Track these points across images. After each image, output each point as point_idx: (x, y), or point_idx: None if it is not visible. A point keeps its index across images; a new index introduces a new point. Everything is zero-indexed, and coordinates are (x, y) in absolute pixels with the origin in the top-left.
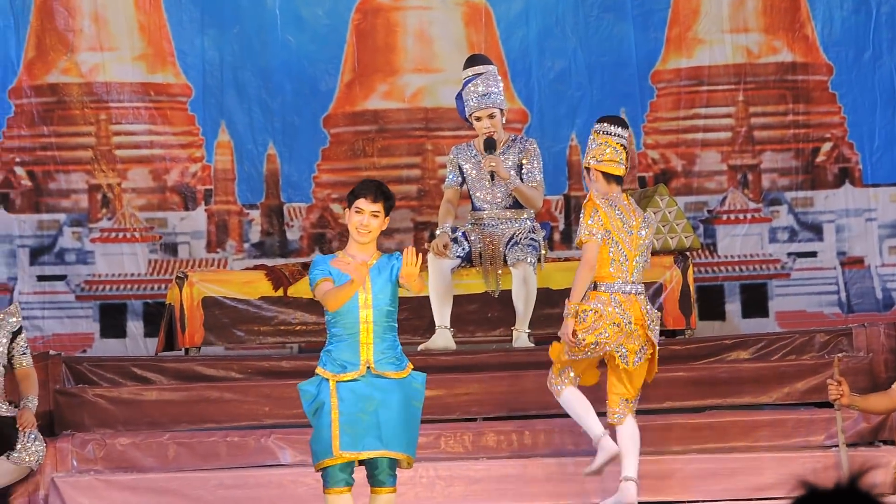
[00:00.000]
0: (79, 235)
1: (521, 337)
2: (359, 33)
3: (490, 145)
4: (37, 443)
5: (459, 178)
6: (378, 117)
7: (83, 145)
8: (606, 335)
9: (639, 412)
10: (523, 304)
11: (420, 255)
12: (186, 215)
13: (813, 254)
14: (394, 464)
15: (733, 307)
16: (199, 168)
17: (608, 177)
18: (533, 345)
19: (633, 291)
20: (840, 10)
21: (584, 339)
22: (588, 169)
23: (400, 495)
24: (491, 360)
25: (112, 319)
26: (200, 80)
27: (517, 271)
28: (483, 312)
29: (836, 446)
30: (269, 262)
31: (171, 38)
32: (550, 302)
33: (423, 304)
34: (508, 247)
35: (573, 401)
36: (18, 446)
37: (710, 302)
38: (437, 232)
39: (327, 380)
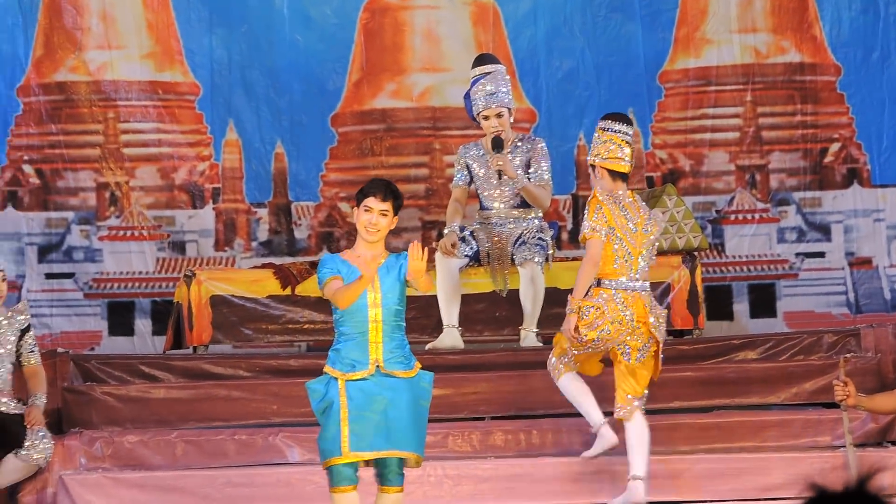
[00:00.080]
0: (87, 233)
1: (529, 336)
2: (367, 32)
3: (498, 144)
4: (45, 440)
5: (467, 178)
6: (386, 116)
7: (91, 143)
8: (608, 332)
9: (647, 411)
10: (531, 304)
11: (426, 250)
12: (194, 213)
13: (821, 254)
14: (402, 463)
15: (741, 307)
16: (206, 166)
17: (614, 174)
18: (541, 344)
19: (638, 289)
20: (848, 10)
21: (585, 336)
22: (593, 166)
23: (408, 494)
24: (499, 360)
25: (120, 317)
26: (208, 78)
27: (525, 270)
28: (491, 312)
29: (845, 446)
30: (277, 261)
31: (180, 36)
32: (558, 301)
33: (430, 303)
34: (516, 246)
35: (571, 386)
36: (27, 444)
37: (718, 302)
38: (445, 231)
39: (336, 378)
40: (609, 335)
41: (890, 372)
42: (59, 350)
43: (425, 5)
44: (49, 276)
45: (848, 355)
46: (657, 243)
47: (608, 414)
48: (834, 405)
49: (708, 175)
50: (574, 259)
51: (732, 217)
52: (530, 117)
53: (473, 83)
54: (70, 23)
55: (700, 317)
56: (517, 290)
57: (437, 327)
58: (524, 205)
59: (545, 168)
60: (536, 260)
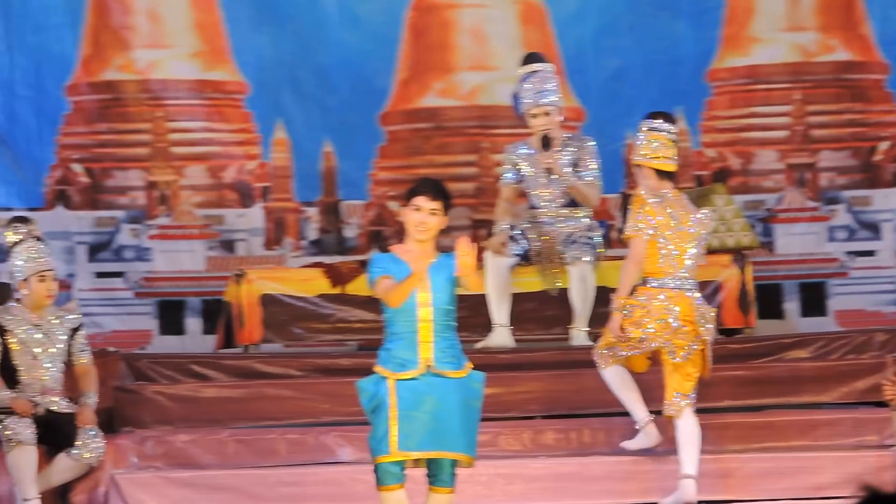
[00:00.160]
0: (136, 232)
1: (580, 335)
2: (414, 31)
3: (546, 143)
4: (96, 439)
5: (516, 176)
6: (434, 115)
7: (140, 142)
8: (652, 330)
9: (698, 410)
10: (581, 303)
11: (475, 243)
12: (243, 212)
13: (871, 252)
14: (455, 464)
15: (792, 306)
16: (255, 165)
17: (660, 173)
18: (591, 343)
19: (684, 287)
20: None
21: (631, 334)
22: (639, 166)
23: (459, 493)
24: (549, 359)
25: (170, 316)
26: (256, 77)
27: (575, 270)
28: (541, 310)
29: (895, 446)
30: (327, 260)
31: (227, 35)
32: (608, 300)
33: (481, 302)
34: (566, 245)
35: (616, 379)
36: (78, 443)
37: (768, 301)
38: (495, 230)
39: (386, 378)
40: (654, 334)
41: None
42: (110, 349)
43: (473, 3)
44: (99, 275)
45: None
46: (706, 242)
47: (658, 412)
48: (886, 404)
49: (757, 174)
50: (623, 258)
51: (782, 216)
52: (578, 116)
53: (521, 82)
54: (117, 22)
55: (751, 316)
56: (567, 289)
57: (487, 326)
58: (573, 203)
59: (594, 167)
60: (586, 259)
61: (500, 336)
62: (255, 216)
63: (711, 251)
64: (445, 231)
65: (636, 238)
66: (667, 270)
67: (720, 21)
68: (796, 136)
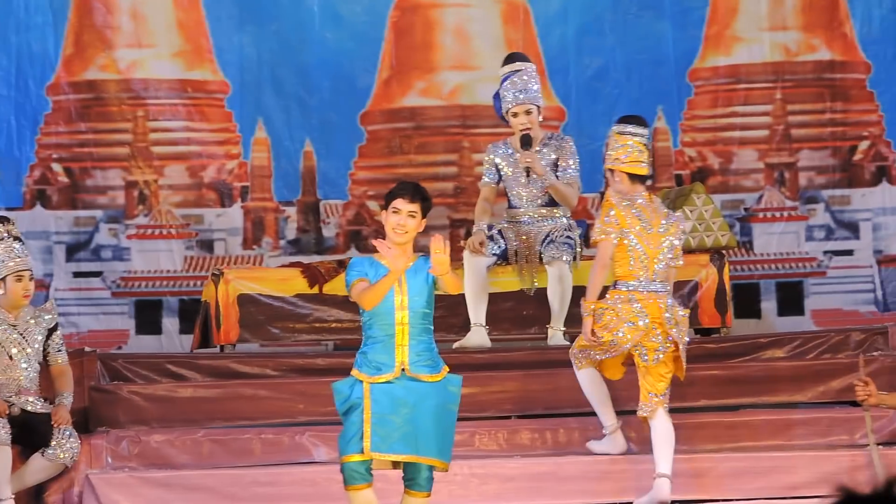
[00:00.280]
0: (115, 232)
1: (557, 335)
2: (397, 30)
3: (526, 142)
4: (71, 439)
5: (496, 176)
6: (415, 114)
7: (120, 142)
8: (622, 333)
9: (673, 410)
10: (559, 302)
11: (448, 242)
12: (223, 212)
13: (849, 252)
14: (432, 469)
15: (769, 305)
16: (235, 165)
17: (632, 177)
18: (568, 343)
19: (655, 290)
20: (879, 8)
21: (601, 338)
22: (612, 170)
23: (434, 493)
24: (526, 358)
25: (147, 316)
26: (238, 76)
27: (553, 269)
28: (518, 310)
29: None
30: (305, 260)
31: (209, 35)
32: None
33: (458, 301)
34: (544, 245)
35: (589, 383)
36: (53, 443)
37: (745, 300)
38: (474, 229)
39: (361, 381)
40: (624, 337)
41: None
42: (87, 349)
43: (455, 3)
44: (77, 274)
45: (874, 353)
46: (680, 243)
47: (632, 412)
48: (859, 404)
49: (737, 173)
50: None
51: (761, 215)
52: (559, 115)
53: (503, 81)
54: (100, 21)
55: (728, 315)
56: (545, 289)
57: (464, 326)
58: (552, 203)
59: (573, 166)
60: (564, 258)
61: (477, 336)
62: (233, 216)
63: (689, 251)
64: (424, 230)
65: (603, 242)
66: (637, 273)
67: (703, 21)
68: (776, 135)
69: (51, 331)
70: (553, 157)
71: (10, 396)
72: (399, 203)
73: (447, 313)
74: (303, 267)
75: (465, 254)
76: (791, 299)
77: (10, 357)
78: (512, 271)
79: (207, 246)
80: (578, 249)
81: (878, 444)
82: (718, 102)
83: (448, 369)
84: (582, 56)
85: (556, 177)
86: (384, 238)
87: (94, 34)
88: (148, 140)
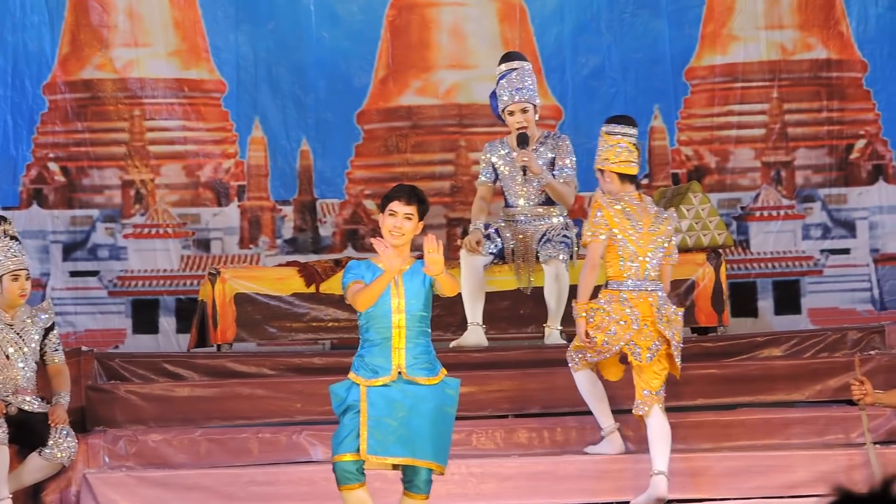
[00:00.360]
0: (112, 231)
1: (553, 334)
2: (393, 29)
3: (523, 140)
4: (69, 439)
5: (493, 175)
6: (412, 113)
7: (117, 141)
8: (614, 332)
9: (670, 409)
10: (555, 301)
11: (441, 242)
12: (219, 211)
13: (846, 251)
14: (431, 472)
15: (766, 304)
16: (232, 164)
17: (622, 177)
18: (565, 341)
19: (645, 288)
20: (875, 6)
21: (595, 338)
22: (601, 170)
23: (432, 492)
24: (523, 357)
25: (144, 315)
26: (234, 76)
27: (549, 268)
28: (515, 309)
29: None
30: (302, 259)
31: (206, 34)
32: None
33: (455, 300)
34: (541, 243)
35: (586, 384)
36: (50, 442)
37: (742, 299)
38: (471, 228)
39: (357, 384)
40: (616, 336)
41: None
42: (84, 348)
43: (452, 2)
44: (73, 274)
45: (870, 352)
46: (673, 240)
47: (629, 412)
48: (856, 403)
49: (733, 172)
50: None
51: (757, 214)
52: (556, 114)
53: (499, 79)
54: (96, 20)
55: (724, 314)
56: (541, 288)
57: (461, 325)
58: (549, 202)
59: (570, 165)
60: (561, 257)
61: (474, 335)
62: (230, 215)
63: (686, 249)
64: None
65: (592, 243)
66: (627, 273)
67: (699, 19)
68: (773, 134)
69: (47, 330)
70: (550, 155)
71: (7, 396)
72: (395, 205)
73: (444, 312)
74: (299, 266)
75: (462, 253)
76: (788, 298)
77: (7, 356)
78: (509, 270)
79: (204, 245)
80: (575, 248)
81: (875, 443)
82: (715, 101)
83: (446, 372)
84: (578, 55)
85: (553, 175)
86: (381, 233)
87: (91, 33)
88: (144, 139)
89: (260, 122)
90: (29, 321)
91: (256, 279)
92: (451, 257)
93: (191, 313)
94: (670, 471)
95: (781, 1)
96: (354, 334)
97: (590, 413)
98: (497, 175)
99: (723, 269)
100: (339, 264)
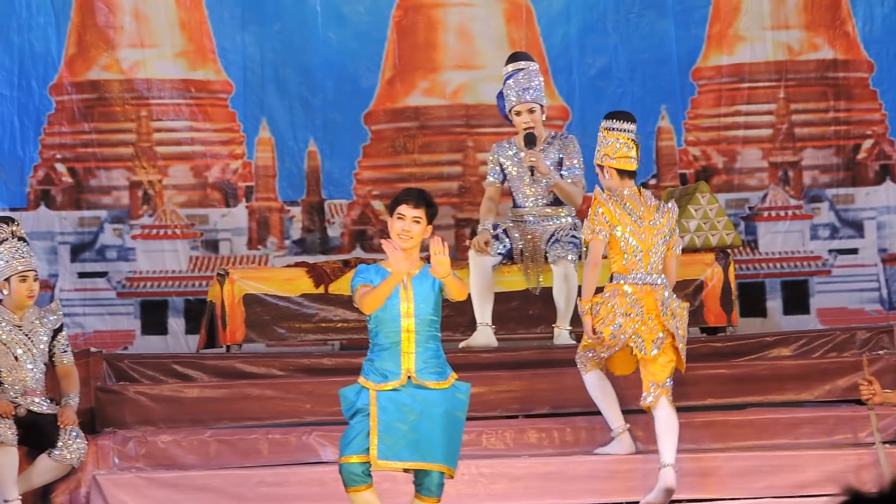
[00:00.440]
0: (120, 232)
1: (562, 334)
2: (400, 30)
3: (530, 140)
4: (78, 440)
5: (501, 176)
6: (419, 114)
7: (124, 142)
8: (620, 325)
9: (680, 409)
10: (564, 301)
11: (446, 244)
12: (227, 212)
13: (854, 251)
14: (443, 475)
15: (774, 304)
16: (239, 165)
17: (622, 172)
18: (574, 342)
19: (650, 282)
20: (881, 6)
21: (602, 333)
22: (601, 166)
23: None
24: (532, 358)
25: (153, 316)
26: (241, 76)
27: (558, 268)
28: (524, 310)
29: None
30: (311, 259)
31: (212, 34)
32: None
33: (464, 301)
34: (549, 244)
35: (595, 385)
36: (60, 444)
37: (751, 299)
38: (479, 229)
39: (368, 388)
40: (621, 328)
41: None
42: (92, 349)
43: (459, 3)
44: (82, 275)
45: (879, 352)
46: (676, 232)
47: (638, 412)
48: (864, 403)
49: (741, 172)
50: (607, 257)
51: (765, 214)
52: (563, 115)
53: (506, 80)
54: (103, 21)
55: (733, 314)
56: (550, 288)
57: (470, 325)
58: (557, 202)
59: (578, 165)
60: (570, 258)
61: (483, 335)
62: (238, 216)
63: (694, 249)
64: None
65: (593, 241)
66: (632, 267)
67: (706, 19)
68: (780, 134)
69: (56, 331)
70: (557, 156)
71: (17, 397)
72: (403, 209)
73: (453, 313)
74: (308, 267)
75: (471, 253)
76: (796, 298)
77: (16, 358)
78: (517, 271)
79: (212, 246)
80: (583, 248)
81: (884, 443)
82: (722, 101)
83: (456, 376)
84: (585, 55)
85: (561, 176)
86: (388, 234)
87: (97, 34)
88: (152, 140)
89: (267, 122)
90: (37, 322)
91: (265, 280)
92: (460, 258)
93: (200, 314)
94: (679, 471)
95: (787, 1)
96: (364, 335)
97: (599, 413)
98: (505, 176)
99: (731, 269)
100: (347, 265)
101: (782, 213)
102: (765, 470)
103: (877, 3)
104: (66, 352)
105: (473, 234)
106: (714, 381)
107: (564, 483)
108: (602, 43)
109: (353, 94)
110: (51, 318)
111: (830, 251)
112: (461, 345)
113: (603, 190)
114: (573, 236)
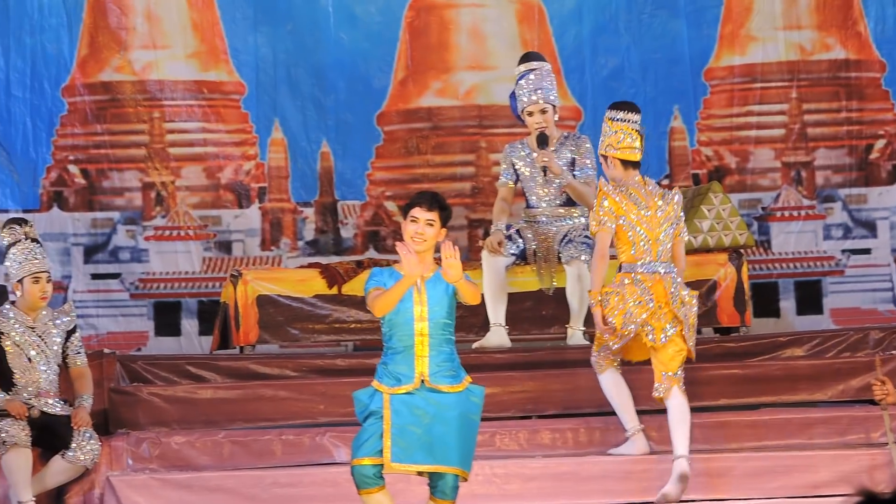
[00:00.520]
0: (133, 234)
1: (576, 334)
2: (412, 31)
3: (543, 140)
4: (92, 441)
5: (513, 176)
6: (432, 115)
7: (137, 143)
8: (630, 313)
9: (693, 409)
10: (578, 302)
11: (458, 248)
12: (240, 213)
13: (867, 251)
14: (458, 478)
15: (788, 304)
16: (252, 166)
17: (625, 163)
18: (588, 342)
19: (659, 270)
20: (893, 7)
21: (613, 323)
22: (605, 157)
23: None
24: (546, 358)
25: (166, 318)
26: (254, 77)
27: (571, 269)
28: (537, 310)
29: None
30: (324, 260)
31: (225, 35)
32: None
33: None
34: (562, 244)
35: (610, 385)
36: (73, 445)
37: (764, 299)
38: (492, 229)
39: (381, 392)
40: (633, 316)
41: None
42: (106, 351)
43: (471, 3)
44: (95, 276)
45: (892, 352)
46: (682, 219)
47: (652, 412)
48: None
49: (754, 172)
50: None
51: (778, 214)
52: (575, 115)
53: (518, 80)
54: (115, 22)
55: (747, 314)
56: (564, 289)
57: (484, 326)
58: (570, 203)
59: (590, 165)
60: (583, 258)
61: (497, 336)
62: (251, 217)
63: (707, 250)
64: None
65: (599, 232)
66: (640, 257)
67: (718, 20)
68: (792, 134)
69: (69, 332)
70: (570, 156)
71: (30, 399)
72: (417, 212)
73: (467, 313)
74: (321, 268)
75: (484, 254)
76: (809, 298)
77: (30, 359)
78: (531, 271)
79: (225, 247)
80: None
81: None
82: (734, 101)
83: (470, 379)
84: (597, 55)
85: (574, 176)
86: (401, 234)
87: (109, 35)
88: (164, 141)
89: (280, 123)
90: (51, 324)
91: (278, 281)
92: (473, 258)
93: (213, 315)
94: (693, 471)
95: (799, 1)
96: (377, 336)
97: (613, 413)
98: (518, 176)
99: (744, 269)
100: (361, 266)
101: (795, 214)
102: (778, 470)
103: (889, 3)
104: (79, 353)
105: (486, 234)
106: (727, 381)
107: (578, 483)
108: (614, 43)
109: (366, 95)
110: (64, 319)
111: (843, 251)
112: (474, 345)
113: (608, 181)
114: (586, 237)
